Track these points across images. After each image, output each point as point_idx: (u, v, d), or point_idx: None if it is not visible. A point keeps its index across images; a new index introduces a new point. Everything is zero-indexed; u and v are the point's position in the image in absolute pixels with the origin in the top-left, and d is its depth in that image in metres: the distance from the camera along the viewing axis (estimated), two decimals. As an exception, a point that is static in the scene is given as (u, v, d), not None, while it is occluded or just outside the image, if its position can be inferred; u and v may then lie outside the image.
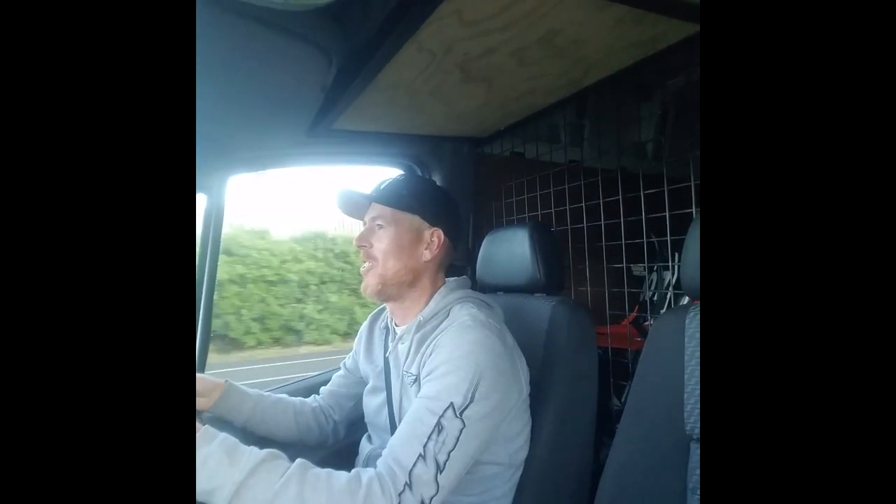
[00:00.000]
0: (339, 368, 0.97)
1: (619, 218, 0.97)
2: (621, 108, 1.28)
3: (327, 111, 0.89)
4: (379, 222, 0.77)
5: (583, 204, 1.06)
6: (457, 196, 1.24)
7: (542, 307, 0.90)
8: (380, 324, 0.90)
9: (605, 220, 1.01)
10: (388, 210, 0.77)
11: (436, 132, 1.15)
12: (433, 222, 0.78)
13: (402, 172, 1.15)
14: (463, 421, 0.60)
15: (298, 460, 0.56)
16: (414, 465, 0.57)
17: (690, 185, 0.86)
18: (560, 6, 0.59)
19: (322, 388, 0.96)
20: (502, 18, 0.61)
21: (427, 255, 0.77)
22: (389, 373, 0.81)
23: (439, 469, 0.57)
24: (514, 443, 0.73)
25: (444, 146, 1.21)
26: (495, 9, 0.59)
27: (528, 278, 0.93)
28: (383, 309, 0.90)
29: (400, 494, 0.55)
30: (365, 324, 0.94)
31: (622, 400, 1.16)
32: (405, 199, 0.77)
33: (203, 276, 1.03)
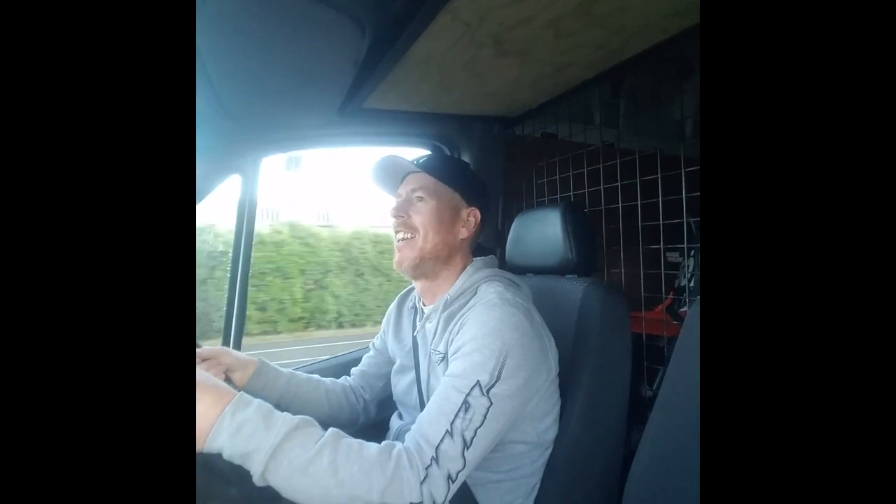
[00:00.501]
0: (369, 349, 0.98)
1: (658, 197, 0.93)
2: (660, 86, 1.22)
3: (358, 88, 0.89)
4: (419, 194, 0.76)
5: (618, 183, 1.02)
6: (486, 177, 1.22)
7: (574, 288, 0.88)
8: (408, 304, 0.90)
9: (641, 201, 0.97)
10: (430, 182, 0.75)
11: (466, 111, 1.13)
12: (470, 202, 0.78)
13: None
14: (490, 399, 0.60)
15: (331, 429, 0.57)
16: (441, 440, 0.57)
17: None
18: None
19: (353, 369, 0.98)
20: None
21: (464, 233, 0.77)
22: (418, 352, 0.81)
23: (466, 445, 0.57)
24: (543, 423, 0.72)
25: (474, 126, 1.19)
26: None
27: (560, 259, 0.91)
28: (411, 290, 0.90)
29: (427, 468, 0.55)
30: (393, 304, 0.94)
31: (654, 387, 1.13)
32: (448, 173, 0.77)
33: (238, 256, 1.06)
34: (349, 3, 0.59)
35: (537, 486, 0.74)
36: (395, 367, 0.88)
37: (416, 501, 0.53)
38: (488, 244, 1.16)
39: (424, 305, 0.82)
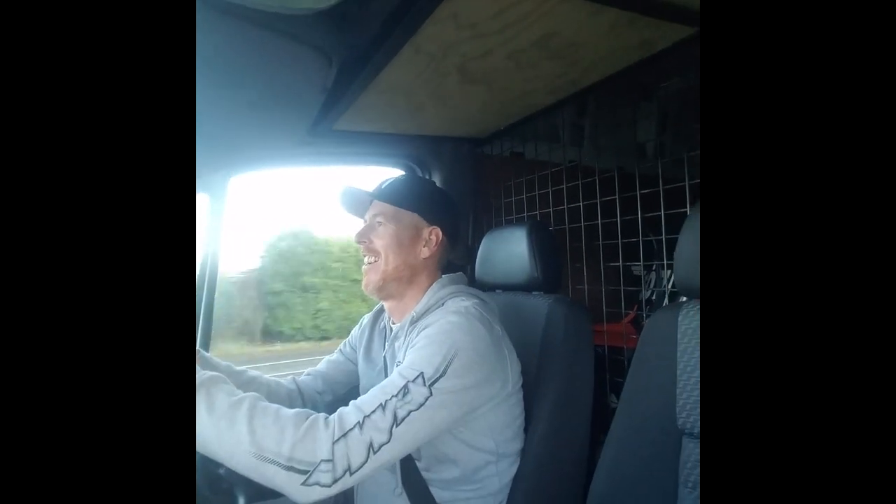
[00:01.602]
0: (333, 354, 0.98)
1: (616, 217, 0.98)
2: (619, 109, 1.28)
3: (328, 111, 0.90)
4: (379, 219, 0.79)
5: (580, 203, 1.07)
6: (456, 196, 1.25)
7: (539, 305, 0.91)
8: (379, 325, 0.91)
9: (601, 220, 1.02)
10: (389, 208, 0.79)
11: (435, 133, 1.17)
12: (432, 221, 0.80)
13: (402, 173, 1.16)
14: (430, 391, 0.61)
15: (253, 392, 0.59)
16: (373, 411, 0.59)
17: (685, 185, 0.87)
18: (555, 10, 0.60)
19: (310, 370, 0.95)
20: (498, 21, 0.62)
21: (426, 252, 0.79)
22: (386, 371, 0.82)
23: (395, 422, 0.59)
24: (504, 433, 0.74)
25: (444, 146, 1.22)
26: (491, 12, 0.60)
27: (526, 276, 0.94)
28: (383, 309, 0.91)
29: (347, 431, 0.57)
30: (366, 322, 0.94)
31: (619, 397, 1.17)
32: (405, 197, 0.79)
33: (205, 273, 1.05)
34: (315, 37, 0.61)
35: (504, 503, 0.76)
36: (362, 386, 0.88)
37: (327, 459, 0.55)
38: (459, 261, 1.18)
39: (394, 324, 0.83)
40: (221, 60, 0.68)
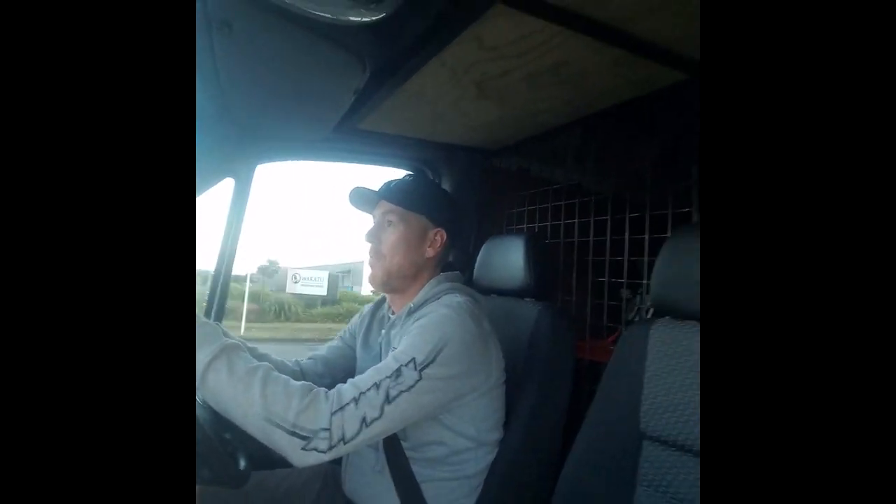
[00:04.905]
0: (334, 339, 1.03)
1: (606, 236, 1.05)
2: (620, 139, 1.36)
3: (355, 111, 0.98)
4: (389, 219, 0.84)
5: (575, 220, 1.14)
6: (463, 201, 1.32)
7: (529, 310, 0.97)
8: (379, 315, 0.97)
9: (594, 237, 1.09)
10: (398, 209, 0.84)
11: (450, 140, 1.24)
12: (437, 223, 0.86)
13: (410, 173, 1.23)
14: (420, 375, 0.67)
15: (266, 363, 0.65)
16: (368, 389, 0.65)
17: (668, 213, 0.94)
18: (567, 42, 0.68)
19: (314, 354, 1.00)
20: (517, 46, 0.70)
21: (430, 252, 0.85)
22: (381, 356, 0.88)
23: (387, 399, 0.65)
24: (485, 423, 0.80)
25: (456, 154, 1.30)
26: (512, 37, 0.68)
27: (520, 284, 1.01)
28: (384, 300, 0.98)
29: (345, 405, 0.63)
30: (367, 311, 1.00)
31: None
32: (414, 200, 0.85)
33: (225, 253, 1.11)
34: (355, 44, 0.69)
35: (479, 487, 0.81)
36: (358, 369, 0.94)
37: (325, 427, 0.61)
38: (458, 264, 1.25)
39: (392, 314, 0.89)
40: (261, 54, 0.75)
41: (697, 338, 0.68)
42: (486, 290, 1.10)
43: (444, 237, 0.86)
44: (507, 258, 1.04)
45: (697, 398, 0.64)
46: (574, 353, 0.95)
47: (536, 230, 1.26)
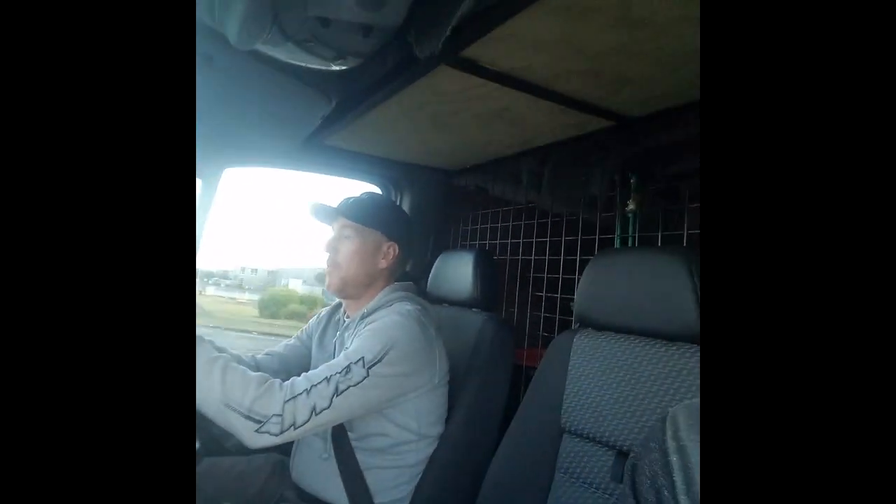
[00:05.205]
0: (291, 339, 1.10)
1: (545, 255, 1.18)
2: (574, 165, 1.50)
3: (322, 130, 1.07)
4: (346, 233, 0.93)
5: (533, 240, 1.27)
6: (423, 217, 1.43)
7: (474, 319, 1.09)
8: (335, 318, 1.06)
9: (535, 256, 1.22)
10: (355, 224, 0.93)
11: (412, 160, 1.35)
12: (391, 237, 0.95)
13: (368, 190, 1.32)
14: (367, 372, 0.77)
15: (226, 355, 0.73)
16: (319, 383, 0.74)
17: (596, 238, 1.07)
18: (505, 95, 0.80)
19: (269, 350, 1.07)
20: (463, 95, 0.82)
21: (383, 263, 0.95)
22: (335, 355, 0.96)
23: (336, 392, 0.74)
24: (427, 418, 0.90)
25: (418, 173, 1.41)
26: (457, 88, 0.80)
27: (468, 295, 1.12)
28: (340, 304, 1.07)
29: (297, 395, 0.72)
30: (324, 313, 1.09)
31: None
32: (370, 216, 0.94)
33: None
34: (321, 81, 0.78)
35: (419, 476, 0.91)
36: (312, 367, 1.02)
37: (278, 413, 0.69)
38: (415, 274, 1.35)
39: (347, 317, 0.99)
40: (236, 84, 0.82)
41: (614, 346, 0.79)
42: (438, 300, 1.21)
43: (397, 250, 0.96)
44: (458, 271, 1.16)
45: (611, 398, 0.76)
46: (511, 359, 1.07)
47: (487, 247, 1.38)
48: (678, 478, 0.42)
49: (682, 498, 0.41)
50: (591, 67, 0.70)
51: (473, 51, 0.66)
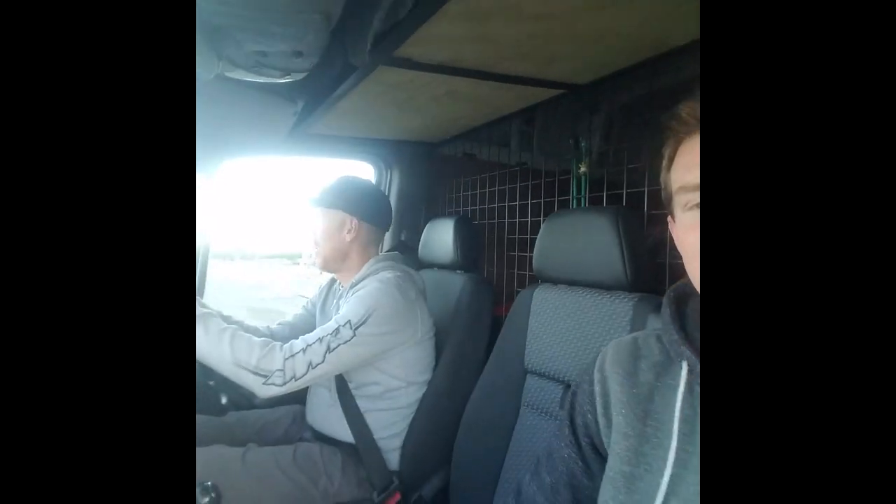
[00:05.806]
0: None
1: (517, 217, 1.28)
2: (564, 121, 1.51)
3: (300, 123, 1.18)
4: (316, 217, 1.09)
5: (504, 204, 1.36)
6: (412, 189, 1.53)
7: (457, 280, 1.21)
8: (333, 288, 1.22)
9: (507, 219, 1.32)
10: (321, 209, 1.09)
11: (396, 137, 1.43)
12: (352, 213, 1.07)
13: (347, 174, 1.41)
14: (354, 332, 0.93)
15: (234, 326, 0.90)
16: (314, 342, 0.91)
17: (603, 195, 1.12)
18: (447, 81, 0.87)
19: (281, 321, 1.25)
20: (411, 84, 0.90)
21: (349, 237, 1.08)
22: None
23: (328, 349, 0.91)
24: (414, 368, 1.06)
25: (403, 148, 1.49)
26: (404, 80, 0.87)
27: (451, 259, 1.24)
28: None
29: (294, 355, 0.89)
30: (325, 283, 1.25)
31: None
32: (329, 198, 1.08)
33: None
34: (284, 89, 0.88)
35: (411, 415, 1.08)
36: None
37: (280, 369, 0.87)
38: (413, 242, 1.46)
39: (341, 287, 1.14)
40: (203, 98, 0.91)
41: (564, 297, 0.90)
42: (428, 265, 1.34)
43: (360, 223, 1.08)
44: (442, 238, 1.27)
45: (563, 340, 0.88)
46: (491, 314, 1.20)
47: (474, 212, 1.47)
48: (598, 403, 0.54)
49: (601, 420, 0.54)
50: (515, 53, 0.76)
51: (405, 50, 0.74)
